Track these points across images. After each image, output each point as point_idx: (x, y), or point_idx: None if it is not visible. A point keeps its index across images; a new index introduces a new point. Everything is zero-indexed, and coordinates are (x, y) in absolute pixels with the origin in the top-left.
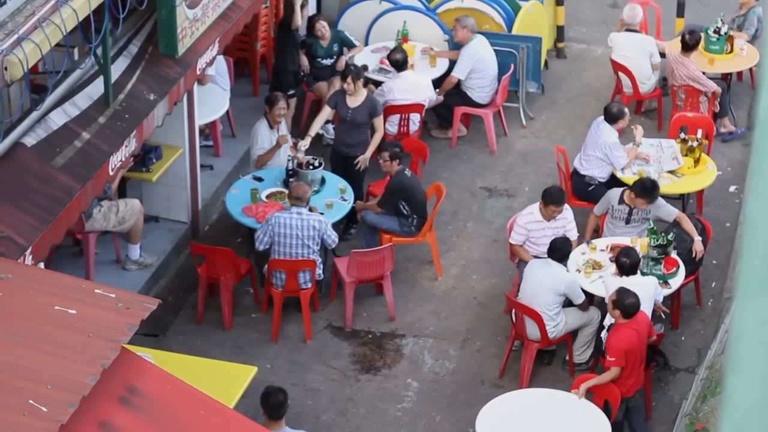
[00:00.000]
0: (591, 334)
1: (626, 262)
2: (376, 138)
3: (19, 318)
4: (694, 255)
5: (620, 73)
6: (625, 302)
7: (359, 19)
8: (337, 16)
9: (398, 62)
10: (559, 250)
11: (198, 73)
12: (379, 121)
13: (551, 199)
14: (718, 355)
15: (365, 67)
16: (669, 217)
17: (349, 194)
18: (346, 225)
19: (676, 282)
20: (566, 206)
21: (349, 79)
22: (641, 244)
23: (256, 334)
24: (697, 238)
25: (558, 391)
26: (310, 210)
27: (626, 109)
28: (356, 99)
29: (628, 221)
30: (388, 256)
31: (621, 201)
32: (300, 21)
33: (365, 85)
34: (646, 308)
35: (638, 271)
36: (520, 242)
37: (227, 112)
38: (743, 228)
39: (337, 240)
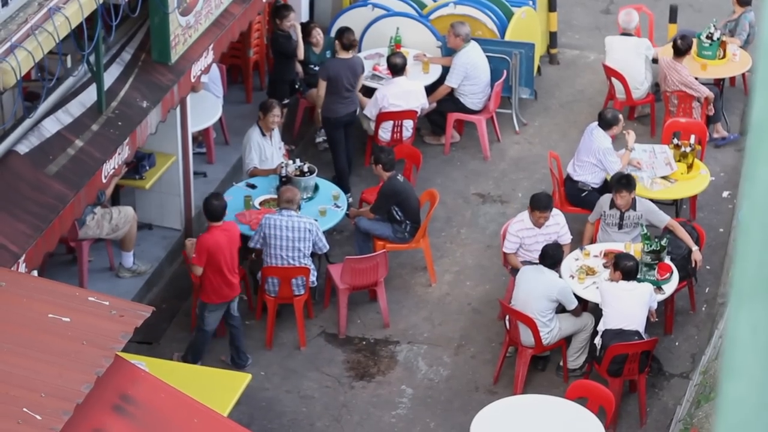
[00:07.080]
0: (585, 340)
1: (627, 264)
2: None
3: (13, 326)
4: (693, 265)
5: (613, 79)
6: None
7: (352, 25)
8: (330, 23)
9: (396, 66)
10: (551, 257)
11: (192, 80)
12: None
13: (537, 205)
14: (712, 361)
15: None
16: (660, 224)
17: (342, 201)
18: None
19: (669, 287)
20: (558, 211)
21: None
22: (635, 250)
23: (249, 341)
24: (695, 248)
25: (552, 397)
26: None
27: (621, 116)
28: None
29: (620, 226)
30: (382, 263)
31: (612, 206)
32: (302, 53)
33: (348, 48)
34: (641, 314)
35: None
36: (513, 250)
37: (220, 119)
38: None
39: (327, 247)
